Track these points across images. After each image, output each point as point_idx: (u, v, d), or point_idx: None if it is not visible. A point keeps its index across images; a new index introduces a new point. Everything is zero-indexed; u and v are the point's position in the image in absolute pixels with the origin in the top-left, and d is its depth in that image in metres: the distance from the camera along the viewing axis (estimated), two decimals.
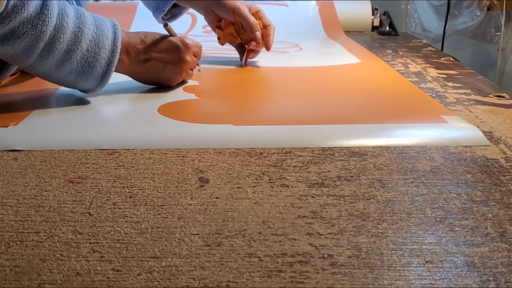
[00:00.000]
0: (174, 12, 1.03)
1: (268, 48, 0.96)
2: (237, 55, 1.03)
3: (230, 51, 1.10)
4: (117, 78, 0.75)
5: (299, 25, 1.42)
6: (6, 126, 0.62)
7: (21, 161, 0.54)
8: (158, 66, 0.77)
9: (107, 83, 0.71)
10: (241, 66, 0.98)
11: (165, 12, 1.00)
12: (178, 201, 0.46)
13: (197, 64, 0.86)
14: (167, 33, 0.79)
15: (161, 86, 0.80)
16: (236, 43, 1.00)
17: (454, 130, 0.62)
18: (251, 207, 0.45)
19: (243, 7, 0.94)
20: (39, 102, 0.73)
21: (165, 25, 0.80)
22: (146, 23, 1.09)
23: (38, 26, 0.62)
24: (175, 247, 0.39)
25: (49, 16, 0.63)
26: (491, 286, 0.34)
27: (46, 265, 0.36)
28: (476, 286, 0.34)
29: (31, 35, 0.62)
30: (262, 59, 1.05)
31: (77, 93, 0.77)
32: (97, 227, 0.41)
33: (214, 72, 0.95)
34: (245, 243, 0.39)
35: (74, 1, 1.22)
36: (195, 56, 0.82)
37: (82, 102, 0.73)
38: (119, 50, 0.70)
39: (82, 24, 0.67)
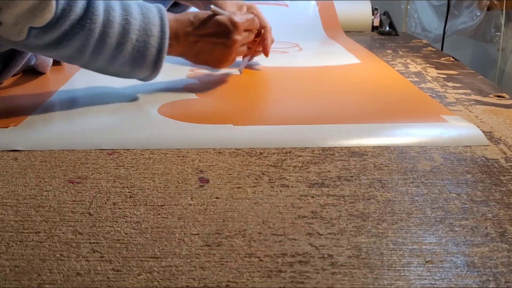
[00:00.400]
0: (175, 11, 1.03)
1: (266, 53, 0.92)
2: (240, 57, 1.02)
3: None
4: (117, 79, 0.75)
5: (299, 25, 1.42)
6: (6, 127, 0.62)
7: (21, 161, 0.54)
8: (207, 47, 0.76)
9: (159, 72, 0.72)
10: (239, 71, 0.95)
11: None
12: (178, 201, 0.46)
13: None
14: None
15: (211, 67, 0.80)
16: None
17: (454, 130, 0.62)
18: (251, 207, 0.45)
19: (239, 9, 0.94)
20: (39, 102, 0.73)
21: (208, 8, 0.79)
22: None
23: (87, 25, 0.63)
24: (175, 247, 0.39)
25: (96, 13, 0.64)
26: (491, 286, 0.34)
27: (46, 265, 0.36)
28: (476, 286, 0.34)
29: (81, 35, 0.63)
30: (262, 59, 1.05)
31: (78, 93, 0.77)
32: (97, 227, 0.41)
33: (214, 71, 0.95)
34: (245, 243, 0.39)
35: None
36: (247, 30, 0.80)
37: (82, 102, 0.73)
38: (167, 36, 0.70)
39: (128, 15, 0.67)
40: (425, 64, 1.03)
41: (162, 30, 0.69)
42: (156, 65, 0.70)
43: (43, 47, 0.64)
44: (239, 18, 0.78)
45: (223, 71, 0.96)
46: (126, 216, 0.43)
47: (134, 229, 0.41)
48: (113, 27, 0.65)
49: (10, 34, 0.61)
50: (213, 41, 0.76)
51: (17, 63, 0.80)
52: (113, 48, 0.66)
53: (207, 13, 0.77)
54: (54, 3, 0.60)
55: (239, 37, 0.77)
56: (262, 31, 0.90)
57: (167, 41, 0.70)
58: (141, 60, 0.69)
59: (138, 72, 0.71)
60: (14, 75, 0.85)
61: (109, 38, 0.65)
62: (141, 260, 0.37)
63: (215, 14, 0.77)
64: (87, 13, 0.63)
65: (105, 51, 0.66)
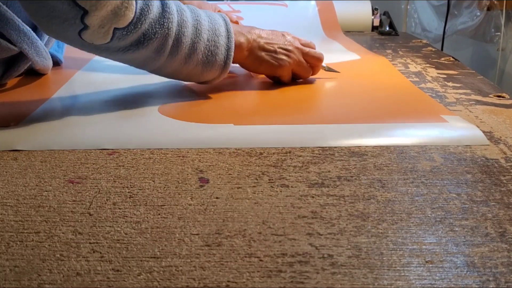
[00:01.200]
0: None
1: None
2: None
3: None
4: (117, 79, 0.75)
5: (298, 25, 1.42)
6: (7, 126, 0.62)
7: (21, 161, 0.54)
8: (268, 63, 0.79)
9: (227, 71, 0.75)
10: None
11: None
12: (178, 201, 0.46)
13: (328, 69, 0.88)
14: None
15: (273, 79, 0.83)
16: None
17: (454, 130, 0.62)
18: (251, 207, 0.45)
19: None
20: (40, 102, 0.73)
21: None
22: None
23: (165, 24, 0.65)
24: (175, 247, 0.39)
25: (171, 13, 0.66)
26: (491, 286, 0.34)
27: (46, 265, 0.36)
28: (476, 286, 0.34)
29: (160, 34, 0.65)
30: None
31: (78, 93, 0.77)
32: (97, 227, 0.41)
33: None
34: (245, 243, 0.39)
35: None
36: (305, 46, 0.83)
37: (82, 102, 0.73)
38: (233, 35, 0.73)
39: (198, 16, 0.70)
40: (425, 64, 1.03)
41: (228, 30, 0.73)
42: (225, 64, 0.73)
43: (125, 48, 0.65)
44: (297, 40, 0.84)
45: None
46: (126, 216, 0.43)
47: (134, 229, 0.41)
48: (187, 26, 0.68)
49: (95, 38, 0.62)
50: (273, 60, 0.79)
51: (19, 68, 0.80)
52: (188, 47, 0.69)
53: (274, 33, 0.81)
54: (134, 2, 0.62)
55: (295, 56, 0.81)
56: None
57: (233, 40, 0.73)
58: (212, 58, 0.71)
59: (209, 72, 0.73)
60: (18, 75, 0.85)
61: (185, 37, 0.68)
62: (141, 260, 0.37)
63: (279, 32, 0.82)
64: (163, 12, 0.65)
65: (181, 50, 0.68)
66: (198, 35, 0.69)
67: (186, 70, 0.72)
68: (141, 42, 0.65)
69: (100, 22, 0.60)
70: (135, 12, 0.62)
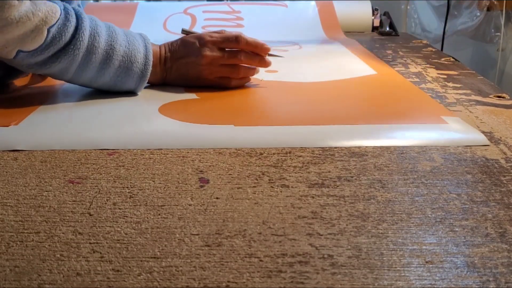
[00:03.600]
0: None
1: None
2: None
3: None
4: None
5: (298, 25, 1.42)
6: (7, 126, 0.62)
7: (21, 161, 0.54)
8: (182, 69, 0.78)
9: (141, 90, 0.76)
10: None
11: None
12: (178, 201, 0.46)
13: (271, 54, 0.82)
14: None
15: (197, 84, 0.80)
16: None
17: (454, 132, 0.62)
18: (251, 208, 0.45)
19: None
20: (40, 101, 0.73)
21: (182, 31, 0.82)
22: (146, 23, 1.09)
23: (71, 51, 0.67)
24: (175, 247, 0.39)
25: (81, 39, 0.67)
26: (491, 287, 0.34)
27: (46, 265, 0.36)
28: (476, 287, 0.34)
29: (65, 59, 0.67)
30: None
31: (79, 93, 0.77)
32: (97, 227, 0.41)
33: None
34: (245, 244, 0.39)
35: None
36: (223, 47, 0.78)
37: (83, 102, 0.73)
38: (151, 63, 0.74)
39: (113, 41, 0.71)
40: (425, 64, 1.03)
41: (146, 57, 0.73)
42: (136, 89, 0.75)
43: (27, 66, 0.68)
44: (209, 35, 0.78)
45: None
46: (126, 216, 0.43)
47: (134, 229, 0.41)
48: (96, 52, 0.69)
49: None
50: (185, 61, 0.78)
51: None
52: (94, 71, 0.71)
53: (180, 39, 0.80)
54: (45, 32, 0.64)
55: (209, 53, 0.77)
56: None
57: (150, 68, 0.74)
58: (121, 84, 0.74)
59: (120, 89, 0.75)
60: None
61: (92, 63, 0.69)
62: (141, 260, 0.37)
63: (185, 36, 0.79)
64: (74, 40, 0.67)
65: (86, 73, 0.71)
66: (108, 61, 0.70)
67: (96, 85, 0.74)
68: (45, 63, 0.67)
69: (4, 42, 0.63)
70: (45, 40, 0.64)
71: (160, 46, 0.79)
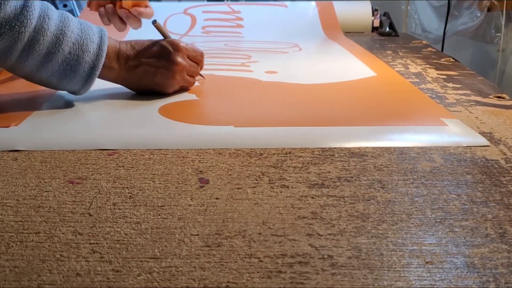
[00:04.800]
0: None
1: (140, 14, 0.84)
2: (240, 57, 1.01)
3: (232, 52, 1.10)
4: None
5: (298, 26, 1.42)
6: (7, 126, 0.62)
7: (21, 162, 0.54)
8: (149, 72, 0.74)
9: (92, 87, 0.70)
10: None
11: None
12: (178, 201, 0.46)
13: (200, 74, 0.82)
14: (159, 37, 0.77)
15: (157, 93, 0.77)
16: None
17: (453, 135, 0.61)
18: (251, 208, 0.45)
19: None
20: (40, 102, 0.73)
21: (154, 22, 0.77)
22: (145, 24, 1.08)
23: (16, 27, 0.62)
24: (175, 247, 0.39)
25: (29, 17, 0.62)
26: (491, 287, 0.34)
27: (46, 266, 0.36)
28: (476, 287, 0.34)
29: (9, 36, 0.62)
30: (262, 59, 1.05)
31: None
32: (97, 227, 0.41)
33: (215, 72, 0.95)
34: (245, 244, 0.39)
35: (74, 1, 1.22)
36: (192, 60, 0.78)
37: (83, 102, 0.73)
38: (104, 54, 0.69)
39: (65, 27, 0.66)
40: (425, 65, 1.03)
41: (100, 48, 0.68)
42: (86, 82, 0.69)
43: None
44: (183, 43, 0.77)
45: (226, 66, 0.95)
46: (126, 217, 0.43)
47: (134, 230, 0.41)
48: (45, 35, 0.64)
49: None
50: (154, 64, 0.74)
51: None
52: (41, 56, 0.65)
53: (150, 40, 0.76)
54: None
55: (182, 60, 0.75)
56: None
57: (102, 60, 0.69)
58: (70, 73, 0.67)
59: (66, 84, 0.69)
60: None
61: (39, 45, 0.64)
62: (141, 261, 0.37)
63: (157, 40, 0.76)
64: (19, 15, 0.62)
65: (32, 57, 0.64)
66: (57, 45, 0.65)
67: (39, 77, 0.68)
68: None
69: None
70: None
71: (120, 42, 0.74)
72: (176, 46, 0.75)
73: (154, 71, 0.74)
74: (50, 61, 0.65)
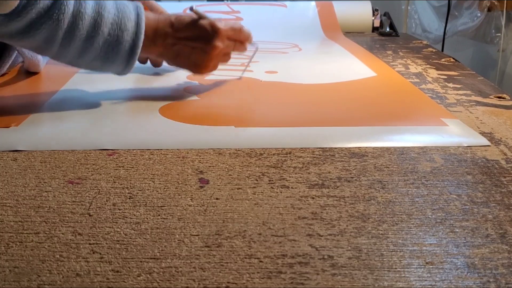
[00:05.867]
0: None
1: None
2: (240, 57, 1.01)
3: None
4: (118, 79, 0.75)
5: (298, 26, 1.42)
6: (8, 127, 0.62)
7: (21, 162, 0.54)
8: (185, 51, 0.74)
9: (132, 67, 0.70)
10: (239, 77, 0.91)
11: None
12: (178, 202, 0.46)
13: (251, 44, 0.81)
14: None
15: (192, 71, 0.77)
16: None
17: (454, 135, 0.61)
18: (251, 208, 0.44)
19: None
20: (40, 102, 0.73)
21: (191, 9, 0.76)
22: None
23: (55, 15, 0.61)
24: (175, 248, 0.39)
25: (66, 4, 0.61)
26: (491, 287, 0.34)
27: (46, 266, 0.36)
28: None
29: (49, 25, 0.61)
30: (262, 59, 1.05)
31: (79, 93, 0.77)
32: (96, 228, 0.41)
33: (215, 72, 0.94)
34: (245, 244, 0.39)
35: None
36: (231, 39, 0.77)
37: (83, 102, 0.73)
38: (143, 31, 0.68)
39: (101, 8, 0.65)
40: (426, 65, 1.03)
41: (138, 26, 0.67)
42: (129, 61, 0.68)
43: (9, 35, 0.62)
44: (222, 24, 0.75)
45: (226, 67, 0.95)
46: (126, 217, 0.43)
47: (134, 230, 0.41)
48: (83, 19, 0.63)
49: None
50: (191, 45, 0.73)
51: (4, 64, 0.79)
52: (82, 40, 0.64)
53: (190, 15, 0.75)
54: None
55: (220, 44, 0.74)
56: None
57: (142, 37, 0.67)
58: (113, 55, 0.67)
59: (110, 67, 0.69)
60: (2, 74, 0.84)
61: (79, 30, 0.63)
62: (140, 261, 0.37)
63: (198, 17, 0.75)
64: (56, 3, 0.61)
65: (74, 43, 0.64)
66: (96, 28, 0.64)
67: (83, 62, 0.67)
68: (27, 31, 0.61)
69: None
70: (20, 0, 0.58)
71: (159, 17, 0.72)
72: (215, 29, 0.74)
73: (191, 51, 0.74)
74: (91, 44, 0.65)
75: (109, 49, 0.66)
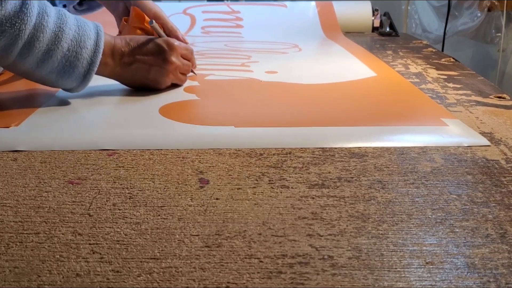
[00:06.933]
0: (91, 4, 0.99)
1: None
2: (240, 57, 1.02)
3: (232, 52, 1.10)
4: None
5: (298, 26, 1.42)
6: (8, 127, 0.62)
7: (21, 162, 0.54)
8: (143, 68, 0.76)
9: (89, 83, 0.71)
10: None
11: (78, 1, 0.96)
12: (178, 202, 0.46)
13: (191, 71, 0.85)
14: (153, 36, 0.78)
15: (149, 89, 0.78)
16: None
17: (454, 135, 0.61)
18: (251, 208, 0.44)
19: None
20: (40, 102, 0.73)
21: (151, 23, 0.79)
22: None
23: (17, 24, 0.62)
24: (175, 248, 0.39)
25: (29, 15, 0.63)
26: (491, 287, 0.34)
27: (46, 266, 0.36)
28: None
29: (10, 34, 0.62)
30: (262, 59, 1.05)
31: (79, 94, 0.77)
32: (96, 228, 0.41)
33: (215, 72, 0.95)
34: (245, 244, 0.39)
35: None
36: (185, 58, 0.81)
37: (83, 102, 0.73)
38: (101, 50, 0.70)
39: (63, 24, 0.66)
40: (426, 65, 1.03)
41: (96, 44, 0.69)
42: (84, 78, 0.70)
43: None
44: (177, 42, 0.78)
45: (226, 67, 0.95)
46: (126, 217, 0.43)
47: (134, 230, 0.41)
48: (44, 32, 0.64)
49: None
50: (148, 62, 0.76)
51: None
52: (41, 53, 0.65)
53: (145, 36, 0.78)
54: None
55: (176, 60, 0.77)
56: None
57: (100, 55, 0.69)
58: (69, 69, 0.68)
59: (65, 82, 0.70)
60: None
61: (39, 42, 0.64)
62: (141, 261, 0.37)
63: (152, 38, 0.77)
64: (19, 13, 0.62)
65: (33, 54, 0.65)
66: (57, 42, 0.65)
67: (38, 75, 0.68)
68: None
69: None
70: None
71: (115, 38, 0.75)
72: (171, 46, 0.77)
73: (148, 68, 0.76)
74: (50, 57, 0.66)
75: (66, 64, 0.68)
